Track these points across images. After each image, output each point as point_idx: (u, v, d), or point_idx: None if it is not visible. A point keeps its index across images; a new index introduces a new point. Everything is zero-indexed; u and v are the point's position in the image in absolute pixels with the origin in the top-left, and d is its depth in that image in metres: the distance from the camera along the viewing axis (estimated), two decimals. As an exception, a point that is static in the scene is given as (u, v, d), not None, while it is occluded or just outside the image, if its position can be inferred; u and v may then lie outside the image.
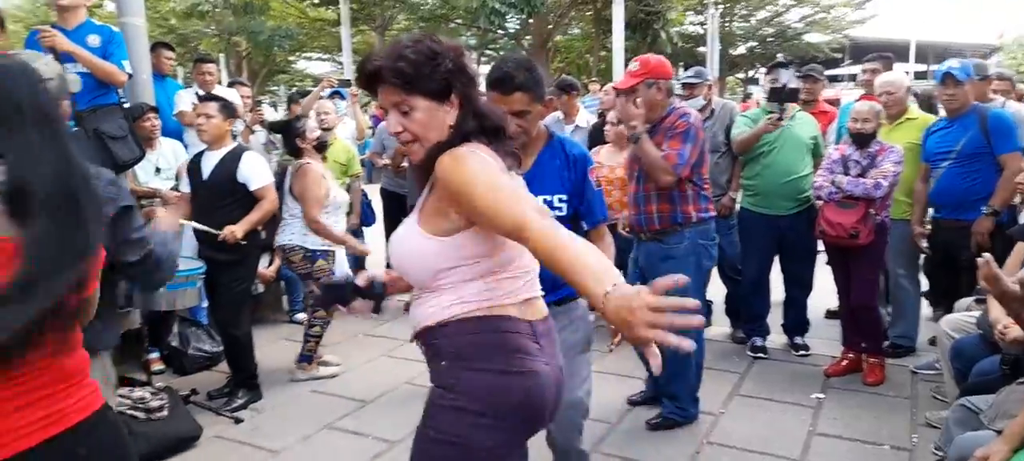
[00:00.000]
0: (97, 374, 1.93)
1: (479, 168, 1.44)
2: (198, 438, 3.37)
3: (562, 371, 1.64)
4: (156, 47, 5.10)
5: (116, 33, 4.13)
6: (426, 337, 1.59)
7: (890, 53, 4.98)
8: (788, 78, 4.04)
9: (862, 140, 3.78)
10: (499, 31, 21.47)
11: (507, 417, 1.52)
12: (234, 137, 4.04)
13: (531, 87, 2.14)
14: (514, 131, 1.99)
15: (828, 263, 4.13)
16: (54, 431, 1.22)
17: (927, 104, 4.86)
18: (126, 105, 4.15)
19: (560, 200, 2.28)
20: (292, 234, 4.07)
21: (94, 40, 3.96)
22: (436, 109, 1.52)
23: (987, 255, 1.98)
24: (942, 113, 4.14)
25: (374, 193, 5.93)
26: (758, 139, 4.18)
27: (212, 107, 3.76)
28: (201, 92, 4.92)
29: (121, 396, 3.28)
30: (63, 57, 3.81)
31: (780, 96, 4.10)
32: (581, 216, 2.35)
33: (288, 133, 4.16)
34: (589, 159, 2.39)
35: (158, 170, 4.59)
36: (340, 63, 22.40)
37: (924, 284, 4.45)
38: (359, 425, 3.56)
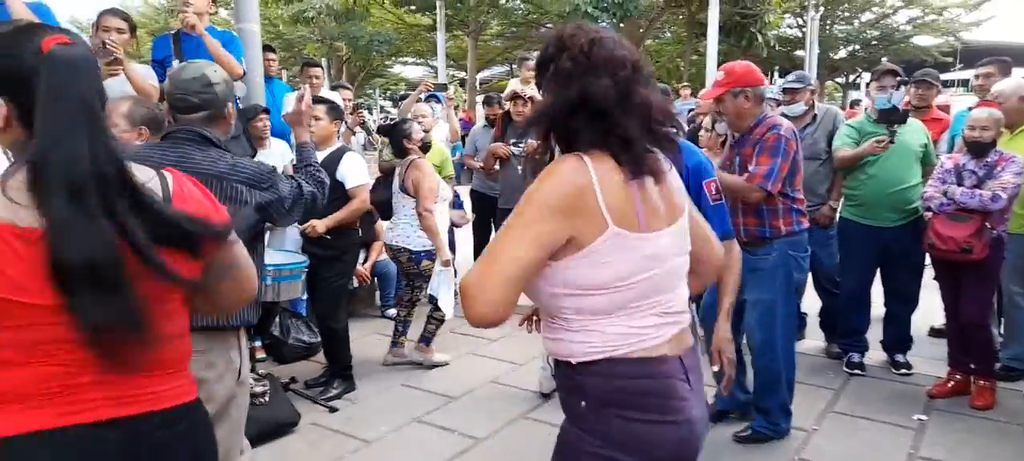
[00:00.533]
0: (219, 356, 2.01)
1: (535, 190, 1.34)
2: (296, 424, 3.55)
3: (707, 407, 1.53)
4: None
5: (235, 36, 4.41)
6: (564, 369, 1.45)
7: (1007, 57, 4.67)
8: (899, 98, 3.85)
9: (979, 149, 3.57)
10: (590, 35, 21.41)
11: None
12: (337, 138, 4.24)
13: None
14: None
15: (936, 278, 3.92)
16: (136, 410, 1.22)
17: None
18: (239, 106, 4.41)
19: None
20: (399, 235, 4.32)
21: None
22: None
23: None
24: None
25: (465, 195, 6.06)
26: (861, 158, 4.01)
27: (320, 110, 3.96)
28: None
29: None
30: (189, 59, 4.11)
31: (890, 117, 3.89)
32: None
33: (396, 135, 4.40)
34: (708, 170, 2.28)
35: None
36: (434, 67, 22.98)
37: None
38: (447, 420, 3.66)
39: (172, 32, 4.29)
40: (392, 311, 5.37)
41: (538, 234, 1.31)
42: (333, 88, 6.11)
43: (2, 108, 1.15)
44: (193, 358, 1.36)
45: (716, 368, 2.20)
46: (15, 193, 1.11)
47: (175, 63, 4.08)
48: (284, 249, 4.24)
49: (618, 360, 1.38)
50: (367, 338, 4.94)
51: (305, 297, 4.54)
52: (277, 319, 4.54)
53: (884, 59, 24.50)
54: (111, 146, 1.17)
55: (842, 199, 4.33)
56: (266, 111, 4.77)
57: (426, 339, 4.42)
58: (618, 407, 1.38)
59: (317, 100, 4.26)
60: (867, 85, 4.63)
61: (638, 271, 1.36)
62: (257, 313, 2.26)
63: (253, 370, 3.91)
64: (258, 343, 4.49)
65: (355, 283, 5.06)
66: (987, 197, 3.46)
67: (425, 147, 4.48)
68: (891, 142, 3.88)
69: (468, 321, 1.35)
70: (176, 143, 2.14)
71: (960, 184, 3.59)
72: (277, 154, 4.93)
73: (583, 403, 1.41)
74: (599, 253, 1.33)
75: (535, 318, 1.86)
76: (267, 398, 3.49)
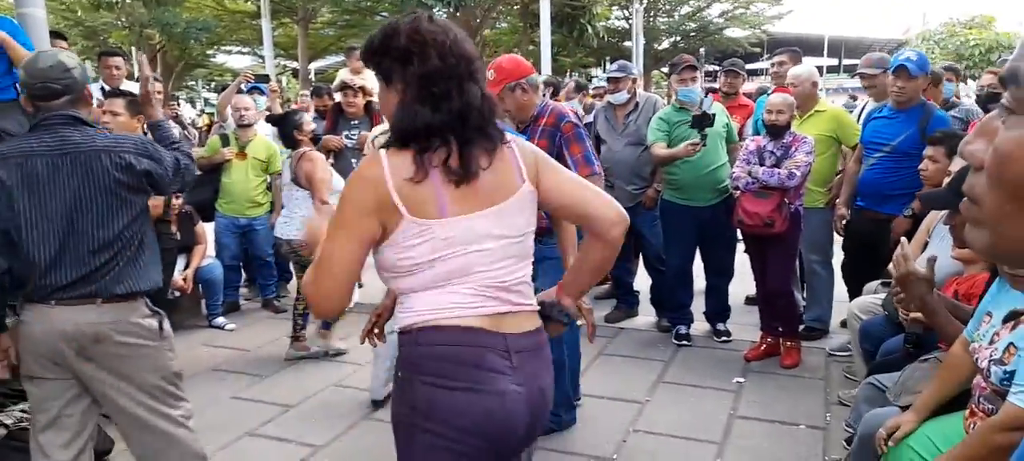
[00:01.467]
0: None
1: (345, 193, 1.49)
2: (110, 452, 3.20)
3: (543, 393, 1.55)
4: (51, 37, 4.80)
5: (17, 25, 3.87)
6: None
7: (797, 48, 5.17)
8: (708, 104, 4.13)
9: (776, 131, 3.91)
10: (426, 25, 21.25)
11: (463, 439, 1.44)
12: (145, 133, 3.85)
13: None
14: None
15: (746, 251, 4.26)
16: None
17: None
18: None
19: None
20: (295, 229, 4.17)
21: None
22: (384, 92, 1.51)
23: (904, 239, 2.10)
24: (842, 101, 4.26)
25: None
26: (673, 160, 4.23)
27: (118, 104, 3.56)
28: (106, 88, 4.67)
29: (23, 412, 3.08)
30: None
31: (701, 122, 4.11)
32: None
33: (286, 126, 4.31)
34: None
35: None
36: (261, 57, 21.75)
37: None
38: (283, 430, 3.46)
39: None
40: (220, 319, 5.02)
41: (353, 233, 1.45)
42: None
43: None
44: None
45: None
46: None
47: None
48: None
49: (425, 328, 1.46)
50: (194, 351, 4.57)
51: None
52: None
53: (701, 50, 26.55)
54: None
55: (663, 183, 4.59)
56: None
57: (327, 324, 4.33)
58: (420, 373, 1.46)
59: (115, 93, 3.85)
60: (669, 77, 4.92)
61: (439, 253, 1.44)
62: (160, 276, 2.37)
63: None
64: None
65: (175, 294, 4.65)
66: (784, 175, 3.80)
67: (316, 139, 4.46)
68: (704, 145, 4.11)
69: (313, 315, 1.42)
70: (50, 129, 2.15)
71: (762, 164, 3.92)
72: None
73: (399, 372, 1.51)
74: (400, 240, 1.44)
75: (375, 332, 1.98)
76: (71, 428, 3.11)
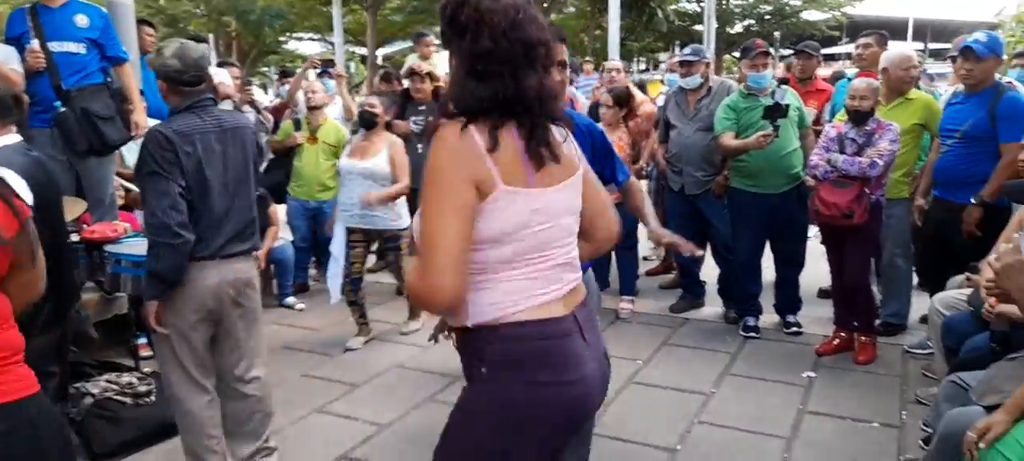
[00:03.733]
0: None
1: (432, 166, 1.39)
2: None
3: (604, 359, 1.58)
4: (137, 24, 5.03)
5: (107, 15, 4.06)
6: (465, 336, 1.51)
7: (885, 31, 4.92)
8: (781, 95, 4.01)
9: (859, 117, 3.73)
10: (493, 10, 21.25)
11: (554, 433, 1.49)
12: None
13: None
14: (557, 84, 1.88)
15: (822, 243, 4.11)
16: None
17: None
18: (113, 85, 4.08)
19: None
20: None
21: (82, 20, 3.88)
22: (450, 58, 1.47)
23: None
24: (939, 88, 4.06)
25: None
26: (743, 152, 4.14)
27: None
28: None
29: (108, 381, 3.25)
30: (50, 35, 3.75)
31: (774, 113, 4.00)
32: (612, 178, 2.47)
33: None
34: (595, 126, 2.52)
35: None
36: (331, 43, 22.22)
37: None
38: (350, 408, 3.54)
39: (28, 5, 3.90)
40: (290, 299, 5.17)
41: (455, 206, 1.36)
42: (219, 65, 5.77)
43: None
44: None
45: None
46: None
47: (34, 42, 3.73)
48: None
49: (517, 323, 1.42)
50: (266, 329, 4.72)
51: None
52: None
53: (776, 34, 25.67)
54: None
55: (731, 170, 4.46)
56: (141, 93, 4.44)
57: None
58: (518, 370, 1.42)
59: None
60: (739, 61, 4.77)
61: (527, 224, 1.41)
62: None
63: (137, 368, 3.67)
64: (143, 340, 4.22)
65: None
66: (866, 164, 3.63)
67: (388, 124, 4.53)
68: (776, 136, 4.00)
69: (432, 312, 1.47)
70: (205, 109, 2.49)
71: (842, 152, 3.76)
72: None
73: (484, 369, 1.45)
74: (491, 209, 1.38)
75: (445, 333, 1.90)
76: (153, 398, 3.27)
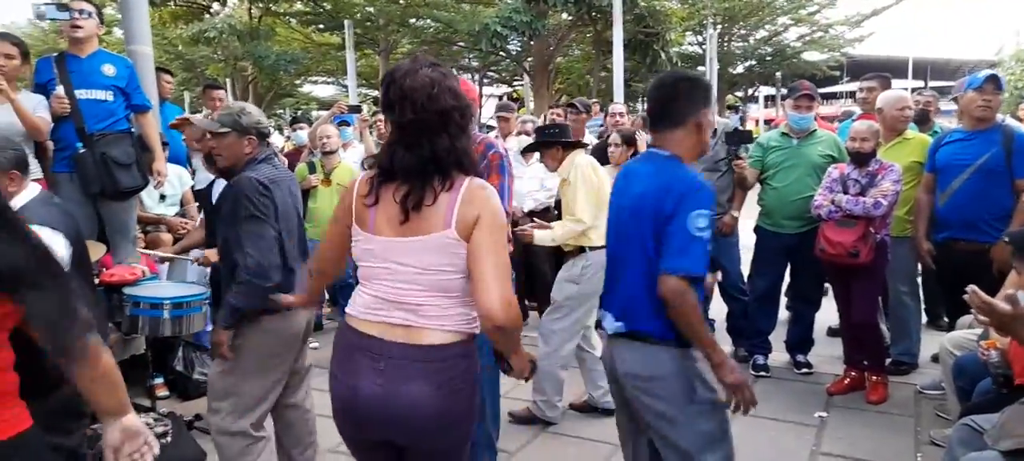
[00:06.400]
0: None
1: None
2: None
3: (403, 394, 1.77)
4: (156, 72, 5.17)
5: (132, 65, 4.18)
6: None
7: (887, 73, 5.01)
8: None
9: (861, 159, 3.80)
10: (501, 54, 21.62)
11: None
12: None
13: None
14: None
15: (829, 282, 4.13)
16: None
17: (921, 115, 4.89)
18: (136, 133, 4.18)
19: None
20: None
21: (109, 69, 3.98)
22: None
23: (972, 286, 2.00)
24: (945, 125, 4.06)
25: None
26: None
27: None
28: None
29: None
30: (77, 83, 3.86)
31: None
32: None
33: None
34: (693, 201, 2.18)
35: (163, 197, 4.63)
36: (345, 86, 22.59)
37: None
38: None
39: (56, 54, 4.03)
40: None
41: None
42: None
43: None
44: None
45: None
46: None
47: (59, 88, 3.85)
48: (185, 281, 4.04)
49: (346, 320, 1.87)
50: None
51: (209, 328, 4.33)
52: (180, 353, 4.32)
53: (777, 74, 25.91)
54: None
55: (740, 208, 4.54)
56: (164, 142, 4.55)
57: None
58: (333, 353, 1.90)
59: None
60: (783, 101, 4.93)
61: (362, 258, 1.83)
62: None
63: (153, 408, 3.70)
64: (159, 380, 4.27)
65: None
66: (870, 204, 3.68)
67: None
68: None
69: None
70: (272, 161, 2.72)
71: (846, 192, 3.81)
72: (174, 180, 4.72)
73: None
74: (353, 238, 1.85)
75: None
76: (169, 438, 3.31)
